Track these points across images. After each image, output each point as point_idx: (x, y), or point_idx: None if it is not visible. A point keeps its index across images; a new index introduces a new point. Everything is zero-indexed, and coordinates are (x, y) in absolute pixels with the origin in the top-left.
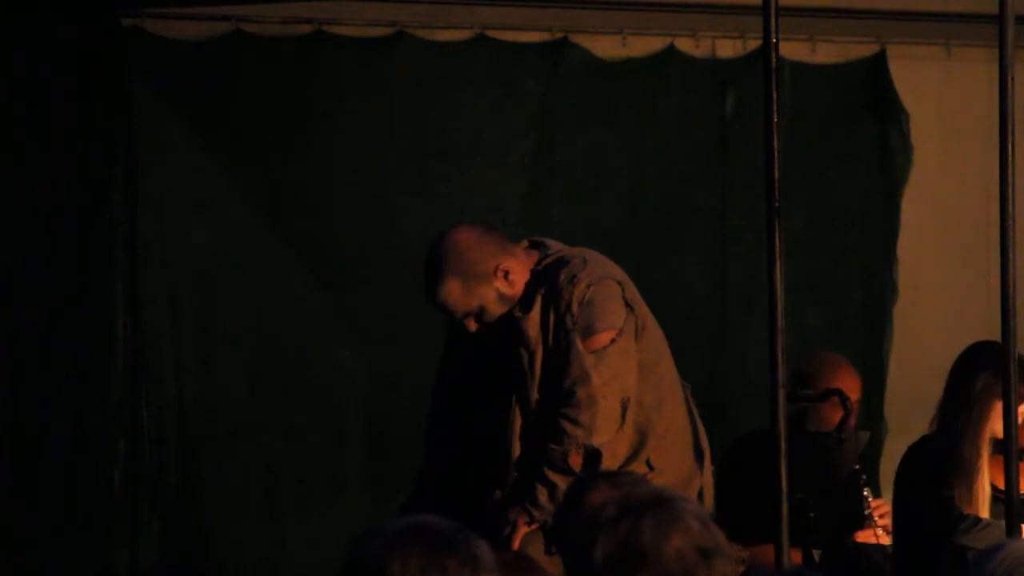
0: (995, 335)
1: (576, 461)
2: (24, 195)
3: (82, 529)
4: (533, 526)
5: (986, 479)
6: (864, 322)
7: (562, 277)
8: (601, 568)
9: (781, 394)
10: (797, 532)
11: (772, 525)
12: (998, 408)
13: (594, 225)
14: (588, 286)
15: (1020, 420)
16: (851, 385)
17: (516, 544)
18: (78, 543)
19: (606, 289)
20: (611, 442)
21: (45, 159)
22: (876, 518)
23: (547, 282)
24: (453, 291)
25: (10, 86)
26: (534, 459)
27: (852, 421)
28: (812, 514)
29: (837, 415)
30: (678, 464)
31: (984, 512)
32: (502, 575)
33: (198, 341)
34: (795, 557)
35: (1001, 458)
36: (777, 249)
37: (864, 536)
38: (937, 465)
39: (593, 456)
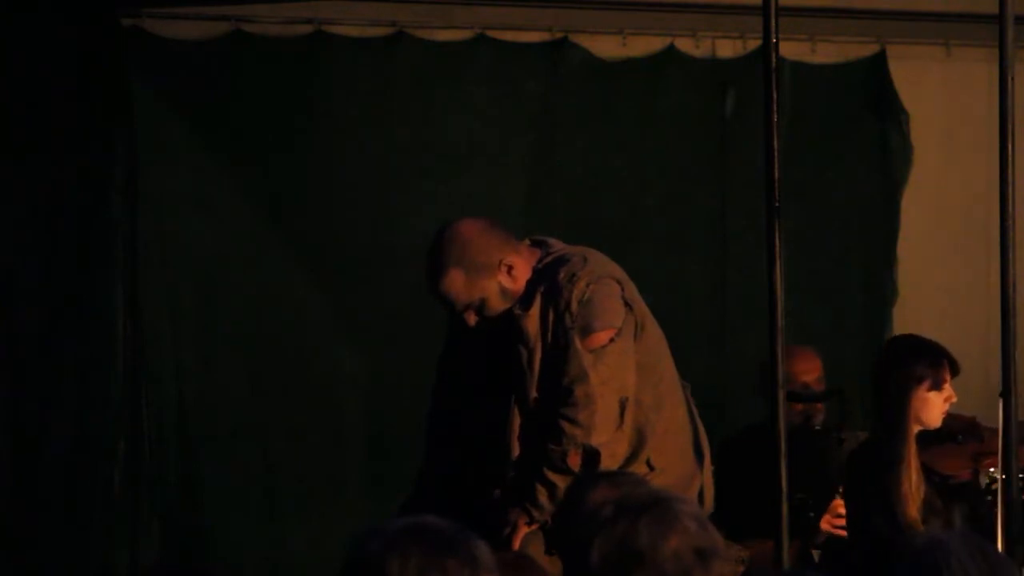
0: (995, 335)
1: (575, 461)
2: (24, 195)
3: (82, 529)
4: (533, 526)
5: (915, 468)
6: (864, 322)
7: (562, 275)
8: (598, 568)
9: (781, 394)
10: (796, 531)
11: (771, 523)
12: (920, 397)
13: (594, 225)
14: (588, 285)
15: (946, 407)
16: (808, 366)
17: (516, 544)
18: (78, 543)
19: (605, 288)
20: (610, 442)
21: (45, 159)
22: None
23: (547, 280)
24: (456, 281)
25: (10, 86)
26: (533, 459)
27: (818, 404)
28: (812, 514)
29: (799, 408)
30: (678, 464)
31: (917, 500)
32: (502, 575)
33: (198, 341)
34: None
35: (946, 447)
36: (777, 249)
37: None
38: (873, 463)
39: (592, 455)
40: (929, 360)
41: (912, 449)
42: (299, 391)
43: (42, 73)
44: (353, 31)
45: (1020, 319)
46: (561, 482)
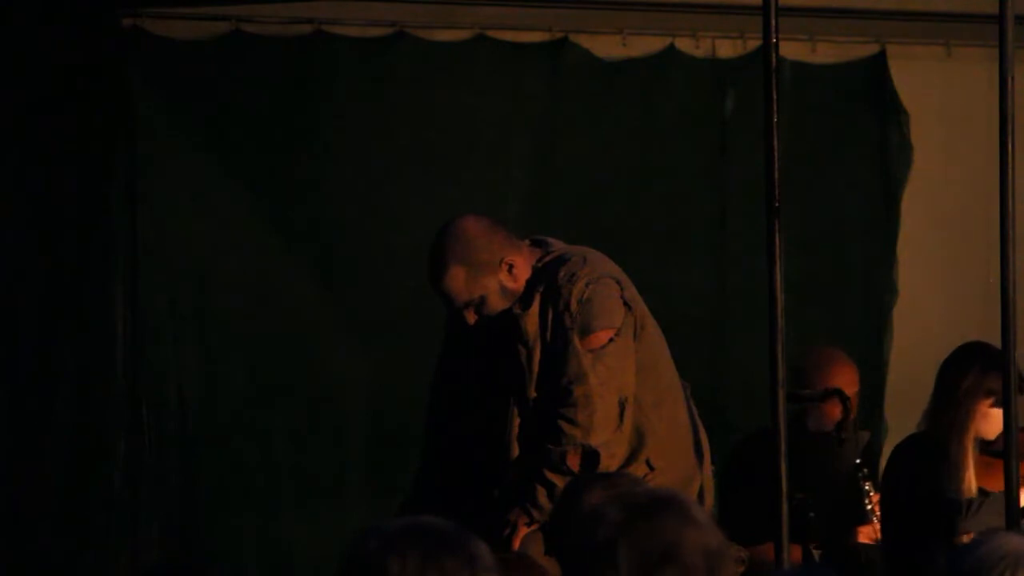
0: (995, 335)
1: (574, 461)
2: (24, 195)
3: (82, 529)
4: (533, 526)
5: (972, 478)
6: (864, 322)
7: (561, 275)
8: (628, 571)
9: (781, 394)
10: (797, 532)
11: (772, 525)
12: (983, 408)
13: (594, 225)
14: (587, 284)
15: None
16: (849, 379)
17: (516, 545)
18: (78, 543)
19: (605, 288)
20: (610, 442)
21: (45, 159)
22: (877, 512)
23: (546, 279)
24: (457, 279)
25: (9, 86)
26: (533, 459)
27: (852, 415)
28: (812, 514)
29: (837, 412)
30: (678, 464)
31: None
32: (504, 575)
33: (198, 341)
34: (795, 554)
35: (986, 459)
36: (777, 249)
37: (865, 531)
38: (926, 464)
39: (591, 456)
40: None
41: (971, 455)
42: (299, 391)
43: (42, 73)
44: (353, 31)
45: (1020, 319)
46: (560, 482)
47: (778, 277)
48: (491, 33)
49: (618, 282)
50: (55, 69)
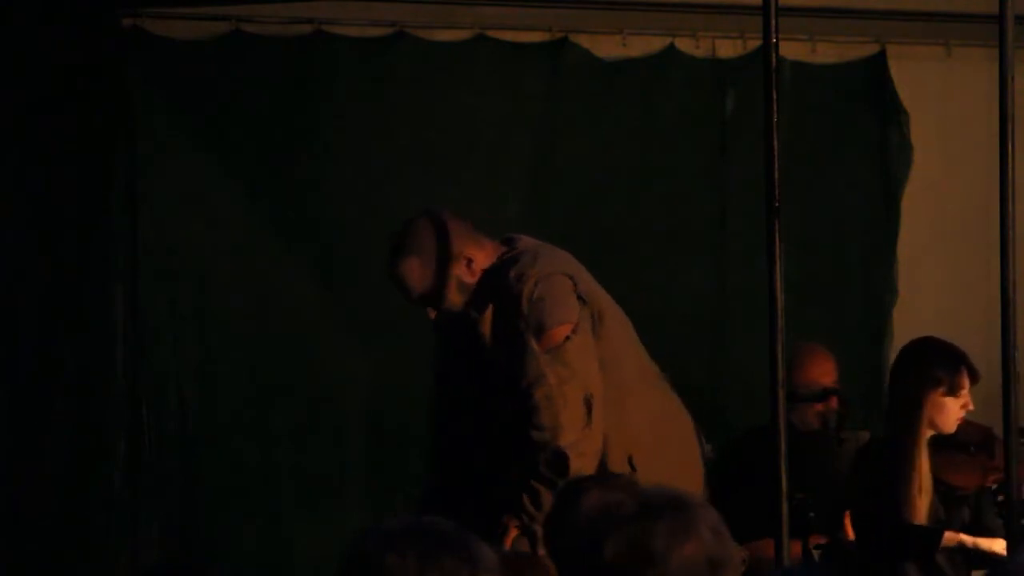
0: (995, 335)
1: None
2: (25, 195)
3: (82, 529)
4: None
5: (924, 473)
6: (864, 322)
7: (512, 275)
8: (608, 566)
9: (781, 394)
10: (796, 531)
11: (771, 523)
12: (935, 398)
13: (594, 225)
14: (536, 283)
15: (962, 413)
16: (825, 369)
17: (508, 545)
18: (78, 543)
19: (556, 284)
20: (578, 441)
21: (45, 159)
22: None
23: (497, 281)
24: (412, 270)
25: (9, 86)
26: (521, 465)
27: (833, 403)
28: (812, 514)
29: (822, 409)
30: (666, 454)
31: (924, 504)
32: (511, 574)
33: (198, 341)
34: (793, 550)
35: (957, 457)
36: (777, 249)
37: None
38: (881, 463)
39: (558, 458)
40: (947, 364)
41: (923, 453)
42: (299, 391)
43: (42, 73)
44: (353, 31)
45: (1020, 319)
46: (542, 489)
47: (778, 277)
48: (491, 33)
49: (571, 277)
50: (55, 69)
